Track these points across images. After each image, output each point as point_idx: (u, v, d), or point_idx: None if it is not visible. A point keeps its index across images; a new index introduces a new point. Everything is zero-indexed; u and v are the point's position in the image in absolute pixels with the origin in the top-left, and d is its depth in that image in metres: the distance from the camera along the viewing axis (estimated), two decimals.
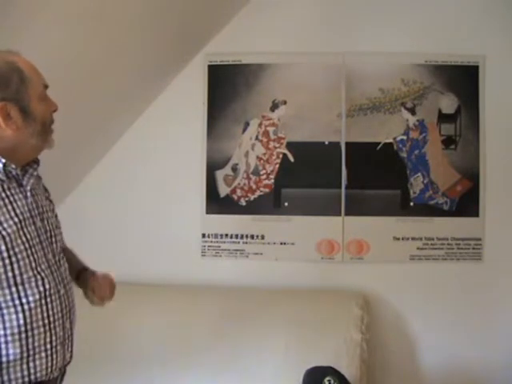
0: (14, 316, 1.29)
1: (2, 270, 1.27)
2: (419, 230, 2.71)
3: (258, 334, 2.42)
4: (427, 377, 2.68)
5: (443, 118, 2.72)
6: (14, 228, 1.30)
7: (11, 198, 1.33)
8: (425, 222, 2.71)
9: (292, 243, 2.76)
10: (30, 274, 1.32)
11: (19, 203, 1.35)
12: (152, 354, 2.38)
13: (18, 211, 1.33)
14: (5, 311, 1.28)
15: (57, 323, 1.38)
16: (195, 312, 2.53)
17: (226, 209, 2.80)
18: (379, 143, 2.73)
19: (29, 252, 1.32)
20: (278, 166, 2.78)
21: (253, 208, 2.78)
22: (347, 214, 2.73)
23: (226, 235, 2.80)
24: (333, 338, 2.39)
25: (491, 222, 2.69)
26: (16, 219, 1.31)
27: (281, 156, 2.77)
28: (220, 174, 2.80)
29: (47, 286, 1.36)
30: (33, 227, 1.37)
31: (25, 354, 1.31)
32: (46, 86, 1.42)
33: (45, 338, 1.35)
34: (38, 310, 1.33)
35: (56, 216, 1.55)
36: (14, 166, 1.35)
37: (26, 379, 1.32)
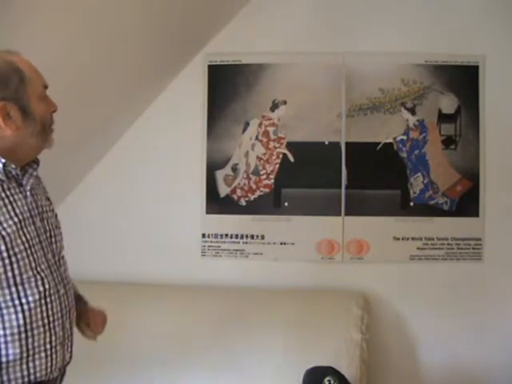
0: (13, 316, 1.29)
1: (1, 270, 1.27)
2: (419, 230, 2.70)
3: (258, 333, 2.42)
4: (427, 377, 2.68)
5: (443, 117, 2.72)
6: (14, 228, 1.30)
7: (11, 198, 1.33)
8: (425, 221, 2.71)
9: (292, 243, 2.76)
10: (30, 273, 1.32)
11: (19, 203, 1.34)
12: (152, 354, 2.37)
13: (17, 211, 1.32)
14: (4, 311, 1.28)
15: (56, 323, 1.38)
16: (195, 312, 2.52)
17: (226, 209, 2.80)
18: (379, 143, 2.73)
19: (28, 252, 1.32)
20: (277, 166, 2.78)
21: (253, 208, 2.78)
22: (347, 213, 2.73)
23: (226, 235, 2.80)
24: (333, 338, 2.39)
25: (491, 222, 2.69)
26: (16, 219, 1.31)
27: (281, 156, 2.77)
28: (220, 174, 2.80)
29: (47, 286, 1.35)
30: (32, 227, 1.36)
31: (24, 354, 1.30)
32: (45, 87, 1.42)
33: (44, 338, 1.34)
34: (38, 310, 1.33)
35: (56, 216, 1.54)
36: (13, 166, 1.35)
37: (26, 379, 1.31)
